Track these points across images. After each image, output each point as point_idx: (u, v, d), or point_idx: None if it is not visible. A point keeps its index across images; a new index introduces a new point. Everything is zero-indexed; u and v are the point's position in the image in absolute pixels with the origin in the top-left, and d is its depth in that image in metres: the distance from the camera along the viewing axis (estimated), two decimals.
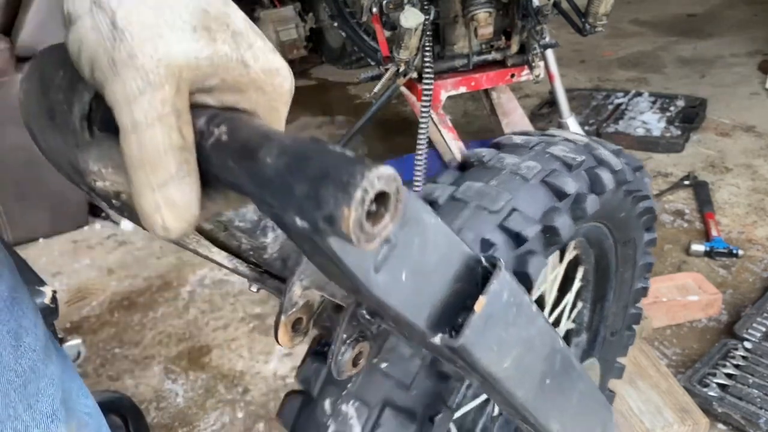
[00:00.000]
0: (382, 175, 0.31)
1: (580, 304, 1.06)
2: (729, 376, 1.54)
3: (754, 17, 4.30)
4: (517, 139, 0.82)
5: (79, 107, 0.41)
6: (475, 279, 0.47)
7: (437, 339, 0.45)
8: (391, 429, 0.62)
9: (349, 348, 0.50)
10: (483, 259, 0.47)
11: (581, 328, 1.08)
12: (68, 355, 0.65)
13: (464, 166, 0.80)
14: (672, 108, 3.01)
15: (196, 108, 0.38)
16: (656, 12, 4.66)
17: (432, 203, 0.73)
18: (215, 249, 0.46)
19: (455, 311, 0.46)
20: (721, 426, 1.46)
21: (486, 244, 0.66)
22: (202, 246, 0.46)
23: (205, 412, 1.62)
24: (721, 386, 1.51)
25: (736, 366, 1.57)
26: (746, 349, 1.61)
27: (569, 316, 1.05)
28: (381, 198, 0.32)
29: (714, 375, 1.54)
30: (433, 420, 0.64)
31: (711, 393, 1.49)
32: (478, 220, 0.69)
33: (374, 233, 0.32)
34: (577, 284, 1.02)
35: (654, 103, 3.08)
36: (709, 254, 2.03)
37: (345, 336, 0.50)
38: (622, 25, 4.39)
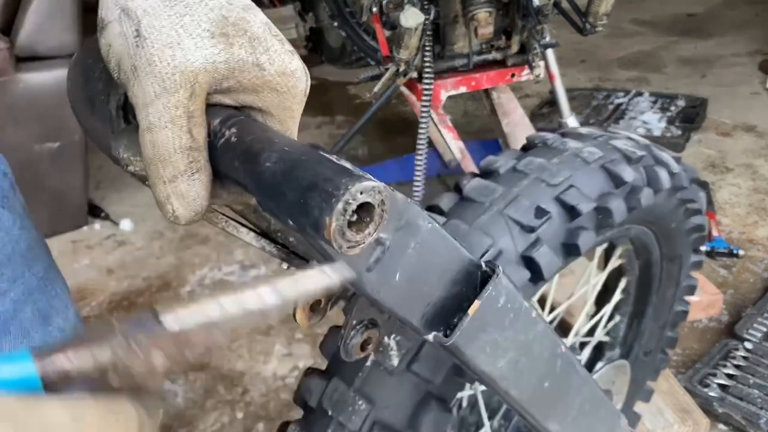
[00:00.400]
0: (366, 188, 0.34)
1: (617, 317, 1.05)
2: (730, 376, 1.54)
3: (754, 17, 4.30)
4: (582, 130, 0.84)
5: (115, 98, 0.44)
6: (473, 283, 0.49)
7: (431, 337, 0.48)
8: (429, 362, 0.64)
9: (358, 333, 0.52)
10: (483, 264, 0.49)
11: (616, 342, 1.08)
12: None
13: (527, 148, 0.82)
14: (672, 108, 3.00)
15: (213, 107, 0.41)
16: (656, 12, 4.66)
17: (492, 173, 0.75)
18: (243, 229, 0.49)
19: (452, 312, 0.48)
20: (721, 426, 1.46)
21: (540, 212, 0.68)
22: (230, 226, 0.49)
23: (204, 413, 1.62)
24: (722, 386, 1.51)
25: (737, 366, 1.56)
26: (747, 350, 1.61)
27: (605, 327, 1.05)
28: (365, 208, 0.35)
29: (714, 375, 1.54)
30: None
31: (711, 393, 1.49)
32: (536, 189, 0.71)
33: (357, 241, 0.35)
34: (617, 296, 1.02)
35: (654, 102, 3.08)
36: (710, 254, 2.03)
37: (355, 321, 0.53)
38: (622, 24, 4.38)
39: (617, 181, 0.74)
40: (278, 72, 0.41)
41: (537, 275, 0.66)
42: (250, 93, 0.41)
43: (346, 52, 4.18)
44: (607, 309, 1.02)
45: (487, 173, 0.76)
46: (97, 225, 2.46)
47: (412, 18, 1.82)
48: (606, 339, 1.07)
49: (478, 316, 0.47)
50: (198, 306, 0.32)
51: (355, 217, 0.35)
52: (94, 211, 2.48)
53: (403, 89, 2.38)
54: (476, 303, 0.47)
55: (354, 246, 0.35)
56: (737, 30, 4.09)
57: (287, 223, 0.37)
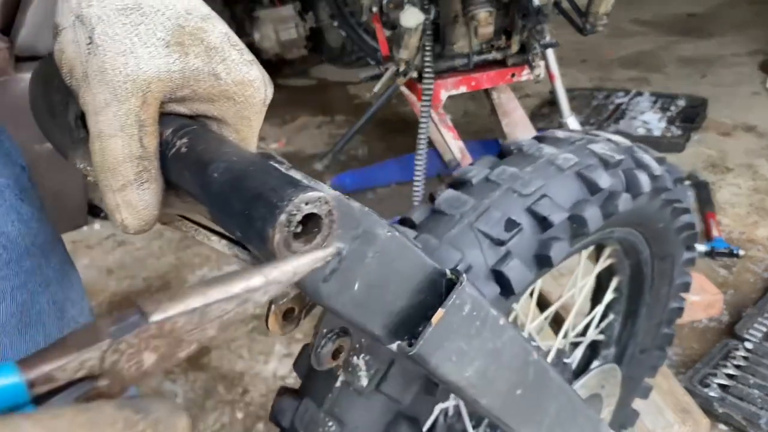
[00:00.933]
0: (311, 199, 0.33)
1: (611, 316, 1.05)
2: (730, 376, 1.54)
3: (754, 17, 4.30)
4: (560, 134, 0.83)
5: (74, 108, 0.44)
6: (438, 291, 0.48)
7: (394, 346, 0.47)
8: (399, 382, 0.64)
9: (329, 342, 0.52)
10: (448, 272, 0.48)
11: (610, 340, 1.07)
12: None
13: (503, 154, 0.81)
14: (673, 108, 3.00)
15: (168, 116, 0.41)
16: (657, 11, 4.66)
17: (465, 183, 0.75)
18: (215, 237, 0.48)
19: (417, 320, 0.47)
20: (722, 426, 1.45)
21: (511, 224, 0.67)
22: (200, 234, 0.48)
23: (204, 413, 1.61)
24: (722, 387, 1.51)
25: (737, 366, 1.56)
26: (747, 350, 1.61)
27: (597, 326, 1.05)
28: (313, 219, 0.34)
29: (715, 375, 1.54)
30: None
31: (712, 393, 1.49)
32: (507, 200, 0.70)
33: (303, 251, 0.35)
34: (609, 295, 1.01)
35: (655, 102, 3.08)
36: (710, 254, 2.03)
37: (325, 330, 0.52)
38: (622, 24, 4.38)
39: (593, 188, 0.73)
40: (235, 81, 0.41)
41: (507, 289, 0.65)
42: (205, 102, 0.41)
43: (346, 52, 4.18)
44: (599, 308, 1.02)
45: (459, 183, 0.75)
46: (97, 225, 2.46)
47: (412, 18, 1.82)
48: (600, 338, 1.07)
49: (443, 324, 0.46)
50: (183, 296, 0.32)
51: (301, 228, 0.34)
52: (94, 211, 2.48)
53: (403, 89, 2.38)
54: (440, 311, 0.46)
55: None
56: (737, 30, 4.09)
57: (236, 234, 0.36)
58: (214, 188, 0.36)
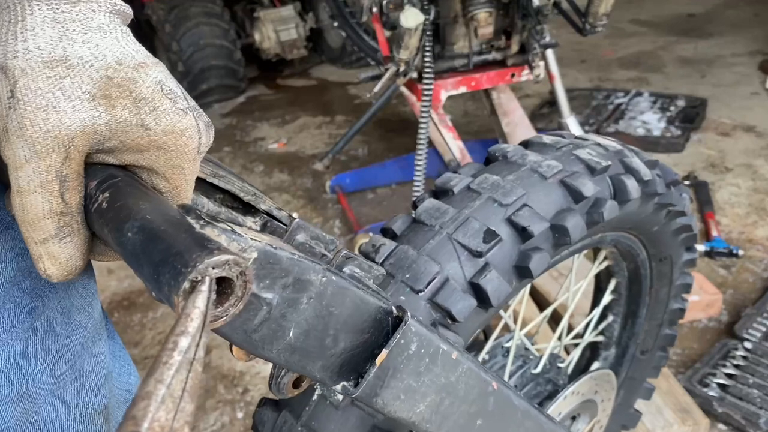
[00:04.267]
0: (218, 263, 0.32)
1: (610, 317, 1.05)
2: (729, 376, 1.54)
3: (754, 17, 4.30)
4: (547, 139, 0.81)
5: None
6: (384, 329, 0.47)
7: (339, 387, 0.46)
8: None
9: (288, 372, 0.50)
10: (394, 310, 0.47)
11: (610, 342, 1.07)
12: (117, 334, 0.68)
13: (489, 161, 0.80)
14: (672, 108, 3.01)
15: (95, 166, 0.40)
16: (656, 12, 4.66)
17: (447, 192, 0.74)
18: None
19: (363, 359, 0.47)
20: (721, 426, 1.46)
21: (490, 235, 0.66)
22: None
23: (204, 413, 1.62)
24: (722, 386, 1.51)
25: (737, 366, 1.57)
26: (746, 349, 1.61)
27: (596, 328, 1.04)
28: (224, 282, 0.33)
29: (714, 375, 1.54)
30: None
31: (711, 393, 1.49)
32: (487, 210, 0.69)
33: (216, 315, 0.33)
34: (608, 297, 1.01)
35: (654, 102, 3.08)
36: (710, 254, 2.03)
37: None
38: (622, 24, 4.39)
39: (576, 196, 0.71)
40: (165, 131, 0.40)
41: (485, 302, 0.64)
42: (134, 152, 0.40)
43: (346, 52, 4.19)
44: (597, 310, 1.02)
45: (441, 192, 0.74)
46: None
47: (412, 18, 1.82)
48: (600, 339, 1.07)
49: (388, 364, 0.46)
50: (145, 397, 0.30)
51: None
52: None
53: (403, 89, 2.39)
54: (383, 353, 0.45)
55: (213, 321, 0.33)
56: (737, 30, 4.09)
57: (155, 296, 0.35)
58: (129, 248, 0.35)
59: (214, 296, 0.32)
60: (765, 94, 3.18)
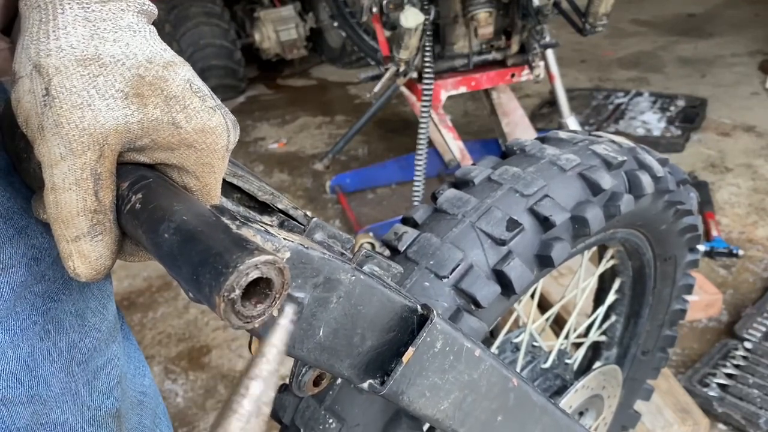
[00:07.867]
0: (257, 263, 0.32)
1: (613, 317, 1.05)
2: (729, 376, 1.54)
3: (754, 17, 4.30)
4: (563, 135, 0.82)
5: (35, 156, 0.43)
6: (410, 327, 0.48)
7: (365, 385, 0.47)
8: None
9: (310, 369, 0.51)
10: (419, 308, 0.48)
11: (612, 342, 1.08)
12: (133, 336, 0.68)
13: (506, 155, 0.81)
14: (672, 108, 3.01)
15: (126, 166, 0.41)
16: (656, 12, 4.66)
17: (468, 182, 0.75)
18: None
19: (389, 358, 0.47)
20: (721, 426, 1.46)
21: (513, 224, 0.67)
22: None
23: (205, 412, 1.62)
24: (722, 386, 1.51)
25: (737, 366, 1.57)
26: (746, 349, 1.61)
27: (600, 327, 1.05)
28: (262, 282, 0.33)
29: (714, 375, 1.54)
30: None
31: (711, 393, 1.49)
32: (509, 200, 0.70)
33: (253, 315, 0.34)
34: (612, 296, 1.01)
35: (654, 102, 3.08)
36: (710, 254, 2.03)
37: None
38: (622, 24, 4.39)
39: (595, 189, 0.73)
40: (195, 129, 0.40)
41: (508, 289, 0.65)
42: (164, 150, 0.41)
43: (346, 52, 4.19)
44: (601, 309, 1.02)
45: (462, 183, 0.75)
46: None
47: (412, 18, 1.82)
48: (603, 339, 1.07)
49: (414, 362, 0.46)
50: None
51: (252, 287, 0.33)
52: None
53: (403, 89, 2.39)
54: (410, 350, 0.46)
55: (250, 321, 0.34)
56: (737, 30, 4.09)
57: (188, 293, 0.35)
58: (165, 249, 0.36)
59: (270, 310, 0.33)
60: (765, 94, 3.18)
